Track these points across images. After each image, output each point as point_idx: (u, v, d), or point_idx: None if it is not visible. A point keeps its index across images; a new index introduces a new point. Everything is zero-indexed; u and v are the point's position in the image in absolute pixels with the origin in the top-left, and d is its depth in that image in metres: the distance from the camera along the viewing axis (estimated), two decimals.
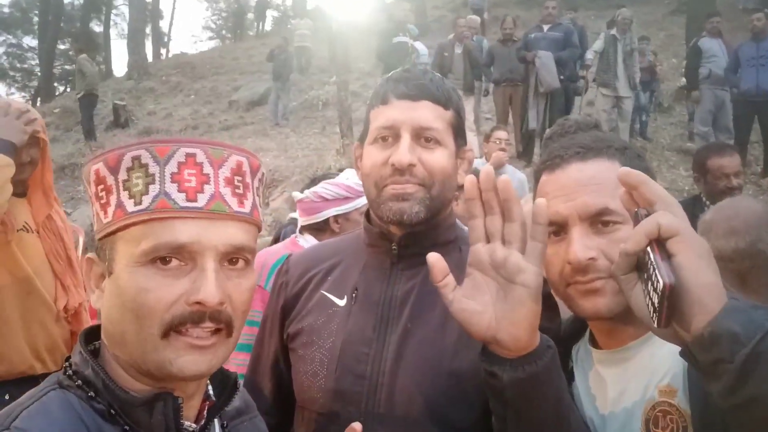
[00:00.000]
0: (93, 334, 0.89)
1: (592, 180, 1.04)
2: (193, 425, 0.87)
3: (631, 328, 1.03)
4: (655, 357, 1.00)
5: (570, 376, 1.15)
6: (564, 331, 1.21)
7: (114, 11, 32.82)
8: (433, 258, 0.90)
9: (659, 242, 0.76)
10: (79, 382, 0.81)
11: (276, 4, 38.86)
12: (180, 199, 0.79)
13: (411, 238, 1.22)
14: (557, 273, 1.06)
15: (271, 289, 1.40)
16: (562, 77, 8.08)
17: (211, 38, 41.89)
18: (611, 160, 1.07)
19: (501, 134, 5.71)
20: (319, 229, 2.57)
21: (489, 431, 1.01)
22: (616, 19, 8.62)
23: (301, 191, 2.66)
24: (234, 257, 0.83)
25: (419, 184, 1.17)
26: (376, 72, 12.71)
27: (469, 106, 8.43)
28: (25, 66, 34.79)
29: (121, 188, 0.80)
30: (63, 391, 0.80)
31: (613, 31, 8.44)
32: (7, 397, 2.12)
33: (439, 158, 1.19)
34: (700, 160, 3.62)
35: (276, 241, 3.33)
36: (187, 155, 0.81)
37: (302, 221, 2.62)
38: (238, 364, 1.91)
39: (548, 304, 1.18)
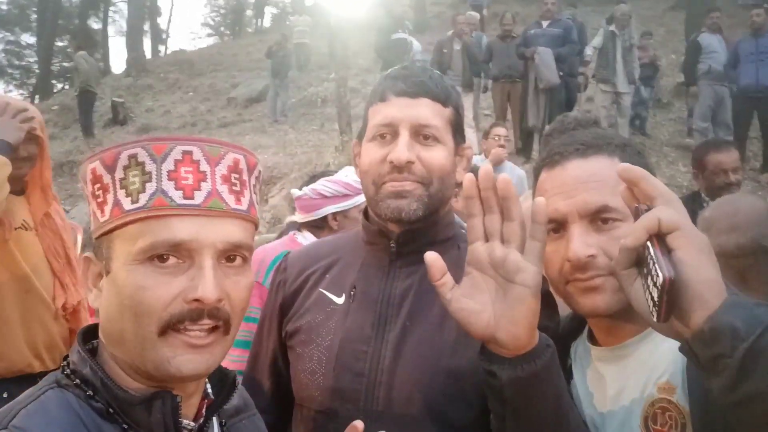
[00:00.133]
0: (91, 332, 0.89)
1: (591, 177, 1.04)
2: (192, 423, 0.87)
3: (631, 325, 1.03)
4: (654, 354, 1.00)
5: (569, 374, 1.15)
6: (563, 328, 1.21)
7: (112, 8, 32.76)
8: (431, 257, 0.89)
9: (659, 237, 0.75)
10: (78, 381, 0.81)
11: (275, 1, 38.84)
12: (177, 196, 0.79)
13: (409, 235, 1.22)
14: (556, 270, 1.05)
15: (269, 287, 1.40)
16: (561, 73, 8.07)
17: (209, 35, 41.80)
18: (611, 157, 1.06)
19: (500, 131, 5.71)
20: (317, 226, 2.57)
21: (487, 430, 1.01)
22: (614, 14, 8.60)
23: (300, 188, 2.66)
24: (232, 255, 0.83)
25: (417, 182, 1.17)
26: (375, 68, 12.69)
27: (467, 102, 8.42)
28: (23, 63, 34.69)
29: (118, 186, 0.80)
30: (61, 390, 0.80)
31: (612, 27, 8.42)
32: (5, 395, 2.12)
33: (437, 156, 1.19)
34: (698, 156, 3.62)
35: None
36: (184, 153, 0.81)
37: (301, 218, 2.62)
38: (234, 360, 1.91)
39: (547, 302, 1.17)
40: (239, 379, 0.97)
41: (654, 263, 0.73)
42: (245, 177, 0.86)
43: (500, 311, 0.86)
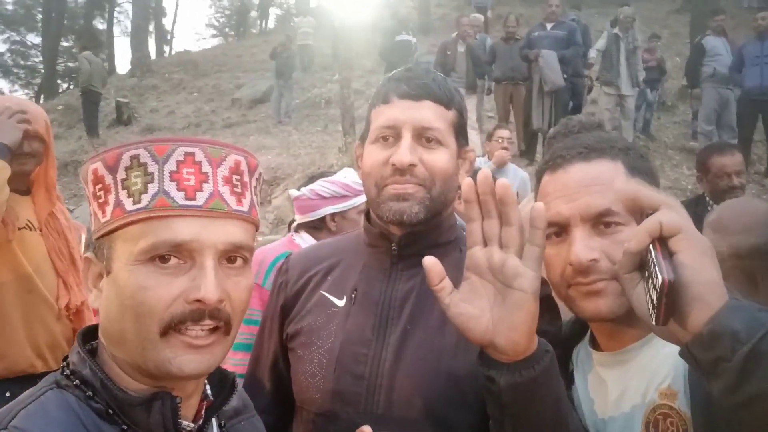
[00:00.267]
0: (91, 333, 0.89)
1: (594, 181, 1.03)
2: (191, 425, 0.87)
3: (633, 329, 1.02)
4: (655, 359, 0.99)
5: (570, 379, 1.15)
6: (564, 333, 1.21)
7: (117, 9, 32.80)
8: (430, 261, 0.89)
9: (662, 240, 0.75)
10: (77, 381, 0.81)
11: (279, 2, 38.90)
12: (179, 197, 0.79)
13: (411, 238, 1.22)
14: (558, 274, 1.05)
15: (270, 288, 1.40)
16: (566, 75, 8.06)
17: (214, 36, 41.93)
18: (614, 161, 1.06)
19: (503, 133, 5.71)
20: (315, 227, 2.55)
21: None
22: (618, 17, 8.59)
23: (298, 189, 2.64)
24: (232, 255, 0.83)
25: (420, 185, 1.17)
26: (378, 70, 12.71)
27: (471, 104, 8.43)
28: (29, 63, 34.86)
29: (119, 187, 0.80)
30: (61, 391, 0.80)
31: (616, 30, 8.41)
32: (8, 394, 2.12)
33: (440, 158, 1.18)
34: (702, 159, 3.61)
35: None
36: (186, 154, 0.81)
37: (299, 219, 2.60)
38: (236, 363, 1.91)
39: (549, 306, 1.18)
40: (239, 380, 0.97)
41: (655, 266, 0.73)
42: (246, 178, 0.87)
43: (499, 316, 0.86)
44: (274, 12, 36.35)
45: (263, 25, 30.53)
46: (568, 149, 1.08)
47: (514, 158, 6.68)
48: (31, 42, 33.90)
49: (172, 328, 0.78)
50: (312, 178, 2.66)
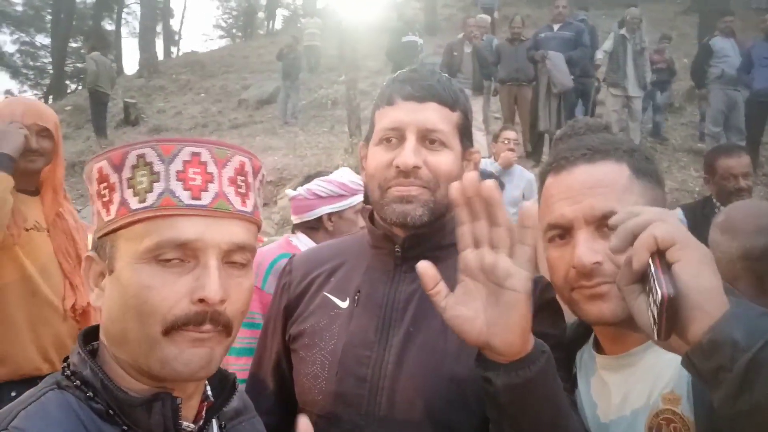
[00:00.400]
0: (92, 334, 0.89)
1: (598, 183, 1.02)
2: (192, 425, 0.87)
3: (636, 333, 1.01)
4: (659, 363, 0.98)
5: (574, 382, 1.14)
6: (568, 335, 1.20)
7: (125, 10, 32.99)
8: (423, 266, 0.89)
9: (660, 253, 0.75)
10: (78, 382, 0.81)
11: (286, 3, 38.99)
12: (185, 197, 0.80)
13: (415, 240, 1.21)
14: (562, 277, 1.04)
15: (273, 290, 1.40)
16: (573, 76, 8.03)
17: (221, 37, 42.07)
18: (619, 163, 1.05)
19: (510, 134, 5.70)
20: (312, 227, 2.51)
21: None
22: (625, 18, 8.56)
23: (294, 189, 2.61)
24: (235, 256, 0.83)
25: (424, 187, 1.16)
26: (385, 71, 12.71)
27: (477, 105, 8.41)
28: (38, 64, 35.09)
29: (125, 186, 0.81)
30: (61, 392, 0.80)
31: (623, 31, 8.37)
32: (13, 393, 2.13)
33: (444, 160, 1.18)
34: (709, 160, 3.60)
35: None
36: (192, 154, 0.82)
37: (295, 219, 2.57)
38: (237, 369, 1.91)
39: (553, 309, 1.17)
40: (241, 384, 0.97)
41: (654, 281, 0.72)
42: (250, 180, 0.87)
43: (493, 317, 0.86)
44: (281, 13, 36.45)
45: (270, 26, 30.64)
46: (572, 151, 1.07)
47: (519, 159, 6.66)
48: (40, 43, 34.15)
49: (174, 328, 0.78)
50: (308, 178, 2.62)
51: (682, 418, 0.93)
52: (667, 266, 0.74)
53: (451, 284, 1.20)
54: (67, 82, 29.93)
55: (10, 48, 34.50)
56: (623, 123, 8.41)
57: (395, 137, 1.18)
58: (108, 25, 32.72)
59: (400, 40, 9.37)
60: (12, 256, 2.20)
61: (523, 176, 5.45)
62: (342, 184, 2.50)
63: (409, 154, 1.15)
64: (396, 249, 1.23)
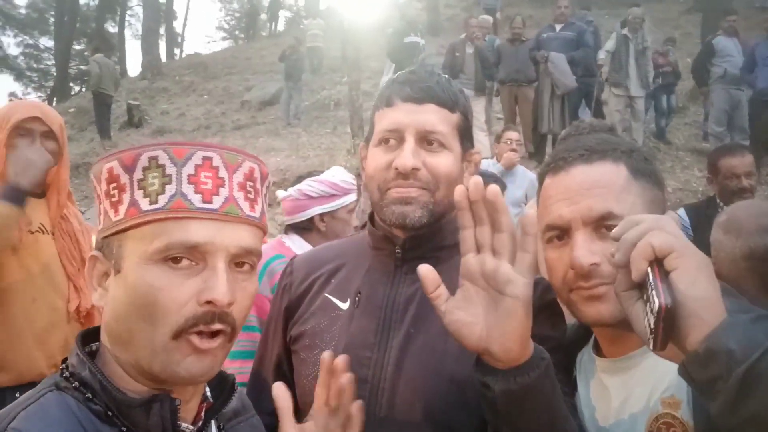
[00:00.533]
0: (91, 335, 0.90)
1: (596, 183, 1.02)
2: (191, 427, 0.87)
3: (636, 335, 1.01)
4: (659, 366, 0.97)
5: (574, 385, 1.14)
6: (569, 337, 1.19)
7: (128, 12, 33.11)
8: (424, 270, 0.89)
9: (658, 261, 0.74)
10: (76, 383, 0.81)
11: (289, 5, 39.04)
12: (196, 200, 0.81)
13: (415, 241, 1.21)
14: (560, 278, 1.04)
15: (266, 291, 1.40)
16: (575, 77, 8.02)
17: (224, 38, 42.16)
18: (616, 163, 1.04)
19: (512, 135, 5.68)
20: (305, 228, 2.49)
21: None
22: (627, 18, 8.54)
23: (285, 190, 2.58)
24: (241, 260, 0.84)
25: (423, 188, 1.16)
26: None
27: (480, 106, 8.41)
28: (42, 66, 35.22)
29: (135, 187, 0.81)
30: (60, 393, 0.81)
31: (625, 31, 8.36)
32: (18, 394, 2.13)
33: (443, 162, 1.18)
34: (712, 160, 3.59)
35: None
36: (204, 158, 0.83)
37: (287, 220, 2.54)
38: (235, 371, 1.90)
39: (553, 311, 1.17)
40: (241, 387, 0.97)
41: (652, 290, 0.72)
42: (258, 185, 0.89)
43: (492, 323, 0.86)
44: (283, 14, 36.50)
45: (273, 27, 30.69)
46: (570, 152, 1.07)
47: (521, 160, 6.65)
48: (43, 45, 34.28)
49: (184, 331, 0.79)
50: (300, 178, 2.59)
51: (682, 422, 0.92)
52: (665, 274, 0.73)
53: (451, 285, 1.21)
54: (71, 84, 30.04)
55: (14, 50, 34.69)
56: (626, 123, 8.40)
57: (394, 139, 1.18)
58: (111, 28, 32.87)
59: (402, 41, 9.36)
60: (16, 259, 2.20)
61: (526, 177, 5.44)
62: (333, 183, 2.47)
63: (408, 156, 1.15)
64: (396, 250, 1.23)
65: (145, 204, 0.80)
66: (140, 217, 0.80)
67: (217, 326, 0.80)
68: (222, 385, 0.96)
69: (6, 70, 33.94)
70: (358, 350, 1.17)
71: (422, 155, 1.17)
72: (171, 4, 31.66)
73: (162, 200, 0.80)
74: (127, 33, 33.74)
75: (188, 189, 0.81)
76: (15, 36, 33.63)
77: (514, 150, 5.47)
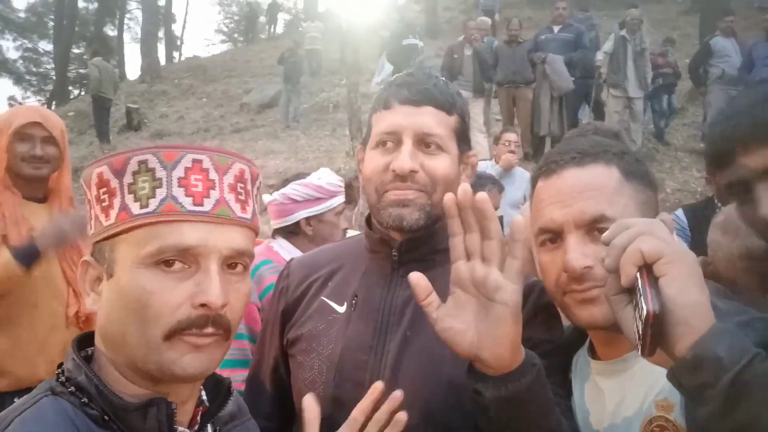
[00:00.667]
0: (86, 340, 0.90)
1: (588, 186, 1.02)
2: (187, 430, 0.87)
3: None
4: (653, 369, 0.96)
5: (570, 388, 1.13)
6: (565, 339, 1.19)
7: (127, 15, 33.17)
8: (415, 277, 0.89)
9: (647, 267, 0.74)
10: (72, 388, 0.81)
11: (288, 8, 39.09)
12: (187, 203, 0.81)
13: (411, 244, 1.21)
14: (554, 281, 1.04)
15: (254, 298, 1.40)
16: (573, 78, 8.03)
17: (223, 41, 42.26)
18: (608, 166, 1.04)
19: (510, 136, 5.69)
20: (291, 232, 2.45)
21: None
22: (625, 19, 8.55)
23: (270, 194, 2.54)
24: (234, 262, 0.84)
25: (420, 191, 1.17)
26: None
27: (478, 107, 8.42)
28: (41, 70, 35.29)
29: (126, 191, 0.81)
30: (56, 398, 0.81)
31: (623, 32, 8.37)
32: (16, 399, 2.12)
33: (441, 164, 1.18)
34: None
35: None
36: (194, 161, 0.83)
37: (274, 224, 2.50)
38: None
39: (549, 314, 1.17)
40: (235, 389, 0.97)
41: (641, 296, 0.72)
42: (249, 187, 0.89)
43: (483, 330, 0.86)
44: (282, 17, 36.54)
45: (272, 30, 30.69)
46: (562, 154, 1.07)
47: (520, 161, 6.66)
48: (42, 49, 34.36)
49: (177, 333, 0.79)
50: (286, 181, 2.55)
51: (675, 425, 0.92)
52: (654, 280, 0.73)
53: (447, 289, 1.21)
54: (70, 87, 30.05)
55: (14, 54, 34.77)
56: (625, 124, 8.40)
57: (392, 141, 1.19)
58: (110, 31, 32.93)
59: (400, 43, 9.38)
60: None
61: (524, 178, 5.44)
62: (318, 187, 2.43)
63: (405, 158, 1.15)
64: (393, 253, 1.23)
65: (136, 208, 0.80)
66: (131, 221, 0.80)
67: (210, 330, 0.80)
68: (218, 388, 0.96)
69: (5, 74, 34.01)
70: (355, 353, 1.17)
71: (420, 158, 1.17)
72: (170, 8, 31.72)
73: (153, 204, 0.80)
74: (126, 36, 33.81)
75: (179, 192, 0.81)
76: (14, 40, 33.72)
77: (512, 151, 5.48)
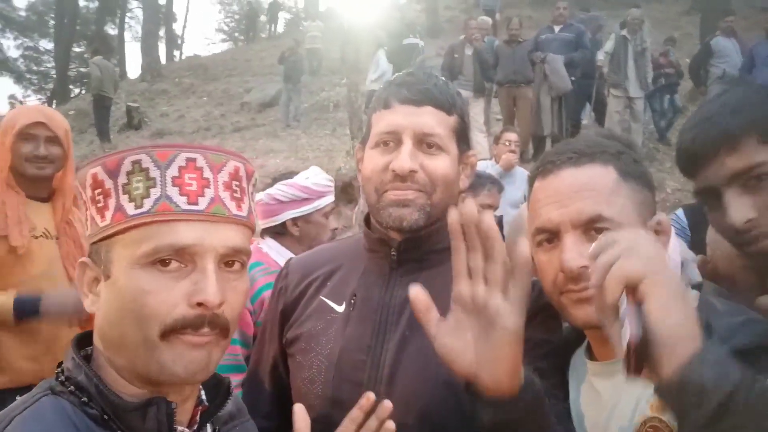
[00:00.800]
0: (86, 339, 0.90)
1: (584, 186, 1.02)
2: (186, 430, 0.87)
3: None
4: None
5: (567, 390, 1.13)
6: (564, 339, 1.19)
7: (128, 14, 33.17)
8: (415, 291, 0.88)
9: (632, 288, 0.73)
10: (72, 387, 0.81)
11: (288, 7, 39.06)
12: (182, 202, 0.80)
13: (410, 243, 1.22)
14: (550, 281, 1.04)
15: (254, 302, 1.40)
16: (573, 78, 8.02)
17: (224, 40, 42.25)
18: (605, 166, 1.04)
19: (511, 136, 5.68)
20: (278, 232, 2.42)
21: None
22: (626, 19, 8.54)
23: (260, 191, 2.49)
24: (231, 260, 0.84)
25: (420, 191, 1.17)
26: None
27: (479, 107, 8.41)
28: (41, 69, 35.27)
29: (120, 192, 0.81)
30: (55, 397, 0.81)
31: (624, 32, 8.36)
32: (17, 397, 2.12)
33: (441, 164, 1.18)
34: None
35: None
36: (188, 160, 0.83)
37: (261, 224, 2.47)
38: None
39: (548, 314, 1.16)
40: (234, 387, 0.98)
41: (625, 317, 0.71)
42: (244, 184, 0.89)
43: (482, 352, 0.84)
44: (283, 16, 36.52)
45: (272, 29, 30.67)
46: (559, 155, 1.07)
47: (520, 161, 6.64)
48: (43, 48, 34.37)
49: (173, 332, 0.79)
50: (275, 180, 2.51)
51: (669, 426, 0.92)
52: (638, 302, 0.72)
53: (446, 289, 1.20)
54: (71, 86, 30.05)
55: (14, 53, 34.84)
56: (625, 124, 8.40)
57: (392, 141, 1.19)
58: (111, 30, 32.92)
59: (401, 43, 9.38)
60: (20, 264, 2.20)
61: (524, 178, 5.43)
62: (305, 187, 2.39)
63: (405, 158, 1.15)
64: (392, 252, 1.23)
65: (130, 208, 0.80)
66: (126, 221, 0.80)
67: (206, 331, 0.80)
68: (217, 388, 0.96)
69: (6, 73, 34.01)
70: (354, 353, 1.17)
71: (419, 157, 1.17)
72: (170, 6, 31.71)
73: (147, 204, 0.80)
74: (127, 35, 33.82)
75: (173, 191, 0.80)
76: (15, 38, 33.73)
77: (512, 151, 5.47)
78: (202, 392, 0.94)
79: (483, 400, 0.87)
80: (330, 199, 2.47)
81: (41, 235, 2.28)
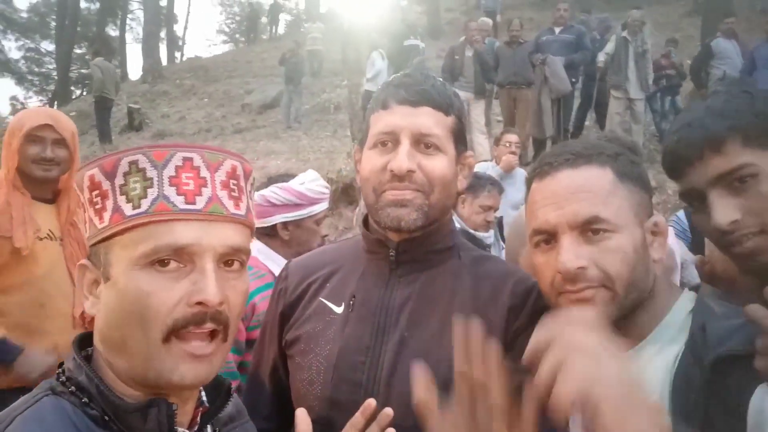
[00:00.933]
0: (87, 339, 0.89)
1: (581, 188, 1.02)
2: (187, 431, 0.87)
3: (623, 339, 1.01)
4: (646, 371, 0.97)
5: None
6: None
7: (129, 16, 33.25)
8: (417, 370, 0.90)
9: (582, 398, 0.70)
10: (73, 388, 0.81)
11: (289, 8, 39.11)
12: (179, 201, 0.80)
13: (409, 244, 1.22)
14: (548, 282, 1.04)
15: (246, 304, 1.39)
16: (573, 79, 8.01)
17: (224, 42, 42.35)
18: (602, 167, 1.05)
19: (511, 137, 5.68)
20: (268, 234, 2.38)
21: None
22: (627, 20, 8.55)
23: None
24: (230, 259, 0.84)
25: (418, 191, 1.17)
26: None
27: (479, 108, 8.41)
28: (43, 70, 35.34)
29: (118, 193, 0.81)
30: (56, 398, 0.81)
31: (624, 33, 8.36)
32: (20, 396, 2.12)
33: (438, 165, 1.18)
34: None
35: None
36: (185, 159, 0.82)
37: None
38: None
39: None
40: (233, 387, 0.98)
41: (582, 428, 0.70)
42: (242, 183, 0.88)
43: None
44: (284, 18, 36.56)
45: (273, 30, 30.67)
46: (556, 156, 1.07)
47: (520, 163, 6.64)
48: (45, 49, 34.42)
49: (174, 333, 0.78)
50: (270, 180, 2.47)
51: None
52: (591, 413, 0.69)
53: (444, 289, 1.21)
54: (72, 87, 30.11)
55: (16, 54, 34.89)
56: (626, 125, 8.39)
57: (390, 141, 1.19)
58: (112, 31, 33.00)
59: (401, 44, 9.38)
60: (24, 265, 2.20)
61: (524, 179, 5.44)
62: (299, 193, 2.35)
63: (403, 158, 1.15)
64: (390, 253, 1.23)
65: (128, 209, 0.80)
66: (124, 222, 0.80)
67: (210, 326, 0.80)
68: (218, 389, 0.96)
69: (7, 74, 34.07)
70: (353, 354, 1.18)
71: (417, 158, 1.17)
72: (172, 8, 31.77)
73: (145, 204, 0.80)
74: (128, 37, 33.89)
75: (170, 191, 0.80)
76: (16, 40, 33.80)
77: (513, 152, 5.47)
78: (203, 393, 0.94)
79: None
80: (324, 206, 2.43)
81: (46, 237, 2.29)
